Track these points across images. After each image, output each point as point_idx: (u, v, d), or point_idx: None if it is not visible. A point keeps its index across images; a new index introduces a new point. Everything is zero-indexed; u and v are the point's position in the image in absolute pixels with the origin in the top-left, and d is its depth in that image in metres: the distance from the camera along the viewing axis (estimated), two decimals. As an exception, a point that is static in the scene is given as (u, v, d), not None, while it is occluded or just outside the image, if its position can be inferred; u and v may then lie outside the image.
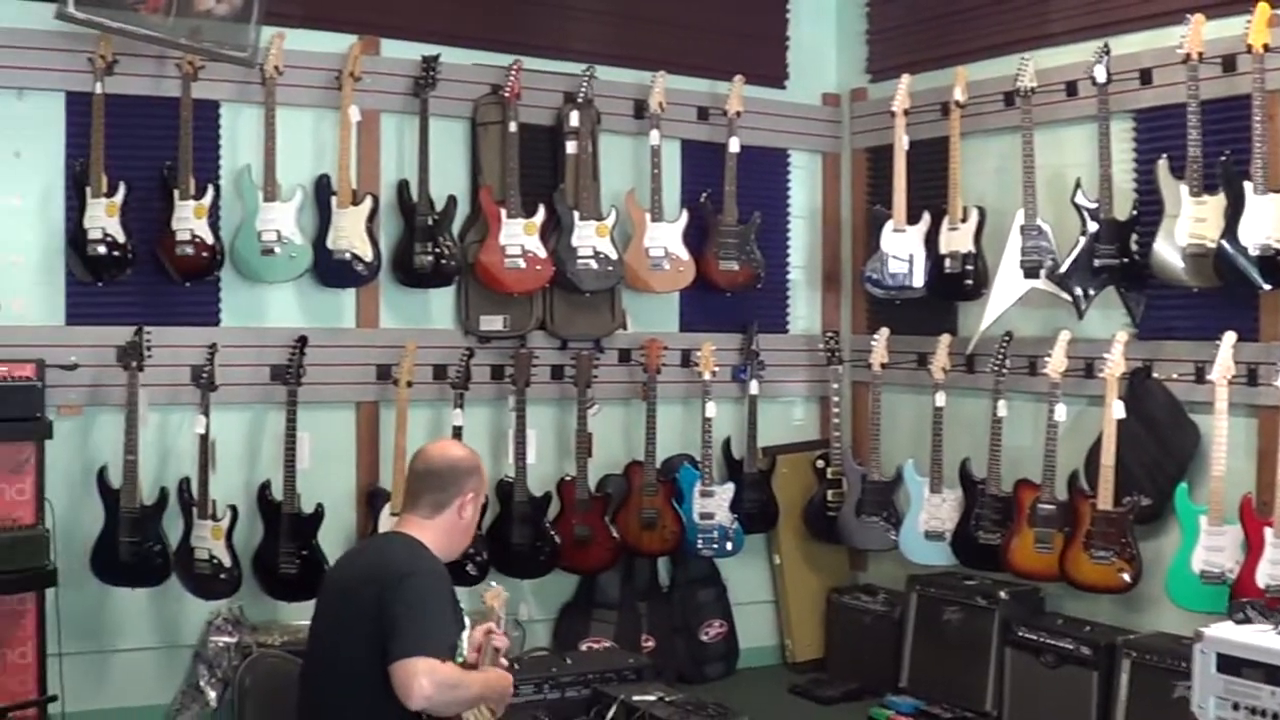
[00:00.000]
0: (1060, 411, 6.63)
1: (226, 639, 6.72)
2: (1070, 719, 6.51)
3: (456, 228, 7.26)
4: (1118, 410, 6.36)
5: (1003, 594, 7.00)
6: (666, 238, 7.60)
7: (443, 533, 4.31)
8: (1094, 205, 6.55)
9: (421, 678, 3.83)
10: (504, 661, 4.55)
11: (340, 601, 4.22)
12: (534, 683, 6.22)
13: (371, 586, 4.04)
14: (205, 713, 6.70)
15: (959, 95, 7.30)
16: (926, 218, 7.43)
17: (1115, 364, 6.37)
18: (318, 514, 6.79)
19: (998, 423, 6.96)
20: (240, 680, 6.64)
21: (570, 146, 7.51)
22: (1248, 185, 5.90)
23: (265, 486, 6.82)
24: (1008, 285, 6.98)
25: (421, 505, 4.31)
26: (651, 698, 6.07)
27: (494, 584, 4.95)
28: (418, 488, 4.35)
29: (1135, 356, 6.51)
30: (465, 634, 4.39)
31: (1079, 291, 6.64)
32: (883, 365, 7.69)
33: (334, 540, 6.92)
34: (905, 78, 7.61)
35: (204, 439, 6.60)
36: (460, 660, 4.27)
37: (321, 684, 4.17)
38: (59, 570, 6.00)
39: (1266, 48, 5.91)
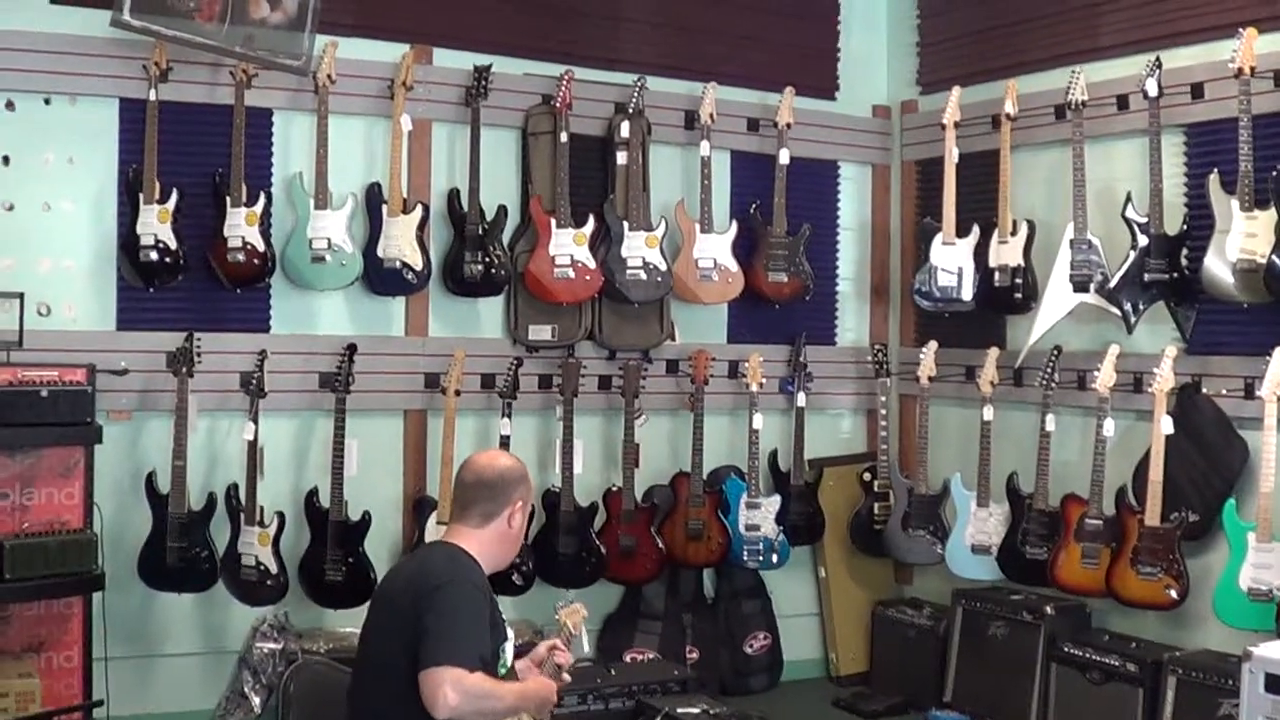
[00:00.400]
0: (1108, 426, 6.59)
1: (271, 645, 6.76)
2: (1116, 735, 6.49)
3: (507, 237, 7.30)
4: (1166, 426, 6.32)
5: (1049, 609, 6.95)
6: (716, 249, 7.60)
7: (492, 542, 4.33)
8: (1144, 219, 6.51)
9: (446, 687, 3.84)
10: (566, 678, 4.56)
11: (383, 612, 4.26)
12: (578, 694, 6.20)
13: (408, 595, 4.08)
14: (249, 719, 6.74)
15: (1009, 108, 7.26)
16: (976, 230, 7.40)
17: (1164, 379, 6.33)
18: (364, 521, 6.81)
19: (1045, 437, 6.92)
20: (285, 687, 6.67)
21: (620, 157, 7.52)
22: (1299, 201, 5.88)
23: (312, 494, 6.85)
24: (1057, 299, 6.95)
25: (471, 515, 4.32)
26: (695, 710, 6.07)
27: (574, 600, 4.98)
28: (467, 498, 4.36)
29: (1184, 371, 6.47)
30: (508, 645, 4.39)
31: (1128, 306, 6.59)
32: (930, 378, 7.65)
33: (379, 548, 6.95)
34: (955, 90, 7.59)
35: (253, 445, 6.63)
36: (504, 671, 4.28)
37: (367, 693, 4.19)
38: (106, 574, 6.05)
39: (1319, 62, 5.89)
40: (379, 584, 4.92)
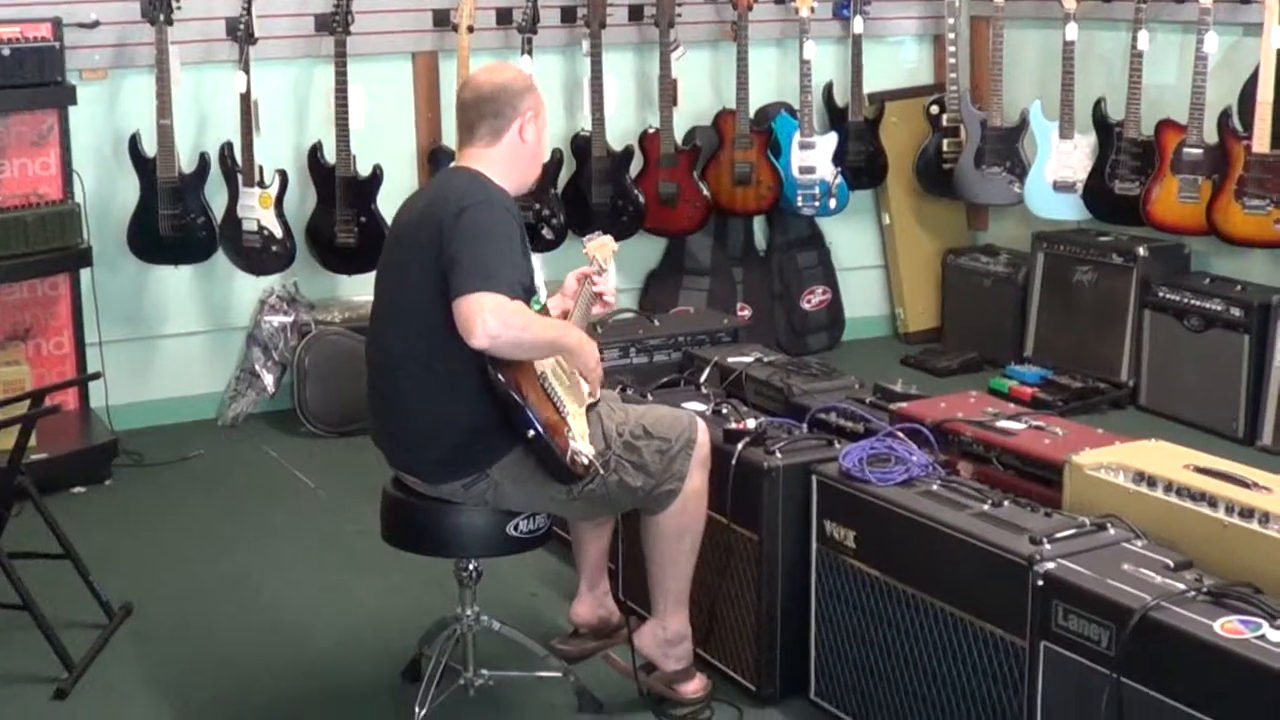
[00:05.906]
0: (1210, 42, 6.35)
1: (281, 318, 6.73)
2: (1218, 387, 6.43)
3: None
4: (1278, 39, 6.09)
5: (1141, 250, 6.86)
6: None
7: (508, 160, 4.20)
8: None
9: (486, 313, 3.73)
10: (610, 301, 4.56)
11: (399, 247, 4.18)
12: (619, 347, 6.07)
13: (430, 224, 3.97)
14: (262, 398, 6.74)
15: None
16: None
17: (1278, -15, 6.09)
18: (375, 176, 6.71)
19: (1137, 57, 6.71)
20: (299, 361, 6.68)
21: None
22: None
23: (316, 149, 6.73)
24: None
25: (479, 135, 4.18)
26: (748, 359, 5.92)
27: (600, 233, 4.84)
28: (471, 118, 4.21)
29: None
30: (538, 276, 4.29)
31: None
32: (1004, -6, 7.41)
33: (392, 204, 6.81)
34: None
35: (245, 98, 6.49)
36: (539, 306, 4.17)
37: (388, 341, 4.13)
38: (93, 250, 5.99)
39: None
40: (392, 221, 4.71)
